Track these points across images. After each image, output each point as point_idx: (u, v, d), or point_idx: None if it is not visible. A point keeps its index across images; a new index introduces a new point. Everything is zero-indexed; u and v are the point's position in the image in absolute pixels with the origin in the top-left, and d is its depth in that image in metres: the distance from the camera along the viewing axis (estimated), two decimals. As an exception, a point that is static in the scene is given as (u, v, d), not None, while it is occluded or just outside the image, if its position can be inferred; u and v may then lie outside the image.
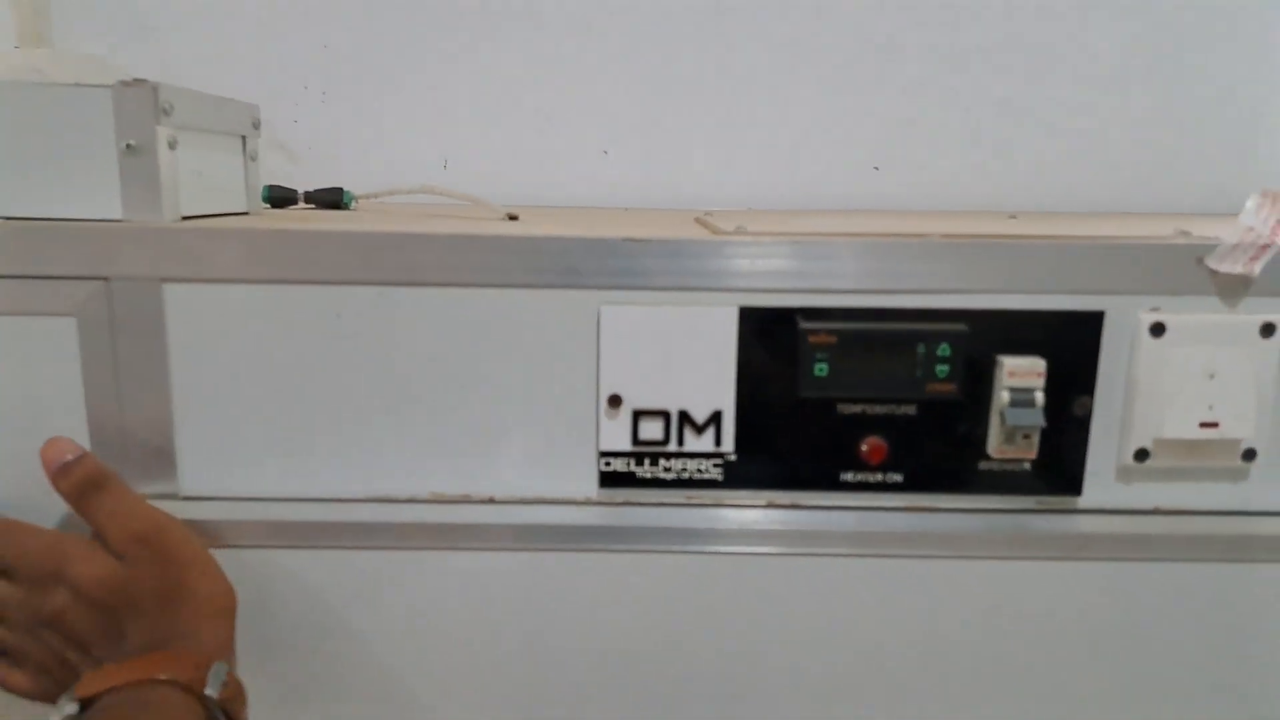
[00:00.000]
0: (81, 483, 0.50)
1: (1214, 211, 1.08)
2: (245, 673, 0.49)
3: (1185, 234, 0.53)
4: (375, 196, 0.86)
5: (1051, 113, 1.09)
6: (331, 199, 0.82)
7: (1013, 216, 0.82)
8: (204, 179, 0.60)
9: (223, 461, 0.52)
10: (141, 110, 0.53)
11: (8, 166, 0.52)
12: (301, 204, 0.83)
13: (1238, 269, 0.50)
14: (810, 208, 1.08)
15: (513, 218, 0.67)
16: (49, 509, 0.52)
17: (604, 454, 0.53)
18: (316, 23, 1.10)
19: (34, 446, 0.51)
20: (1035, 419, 0.50)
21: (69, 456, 0.50)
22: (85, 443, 0.52)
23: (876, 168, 1.14)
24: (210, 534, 0.52)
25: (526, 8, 1.09)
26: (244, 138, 0.67)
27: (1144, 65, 1.09)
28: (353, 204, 0.83)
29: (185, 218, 0.56)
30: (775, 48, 1.08)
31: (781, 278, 0.51)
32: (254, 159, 0.69)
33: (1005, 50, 1.08)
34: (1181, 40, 1.08)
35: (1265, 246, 0.50)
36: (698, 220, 0.66)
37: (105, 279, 0.51)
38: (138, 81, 0.53)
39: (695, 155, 1.11)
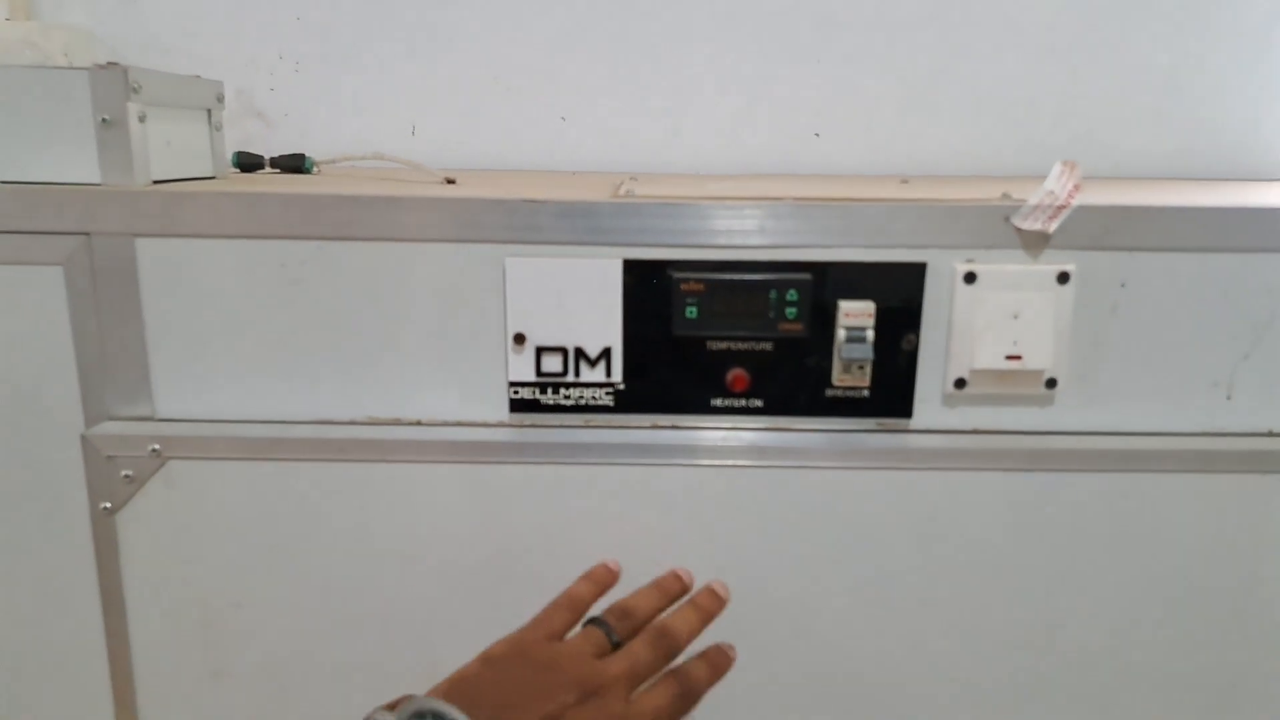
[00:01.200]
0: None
1: (1132, 175, 1.18)
2: (206, 570, 0.60)
3: (1007, 196, 0.62)
4: (333, 162, 0.95)
5: (979, 82, 1.18)
6: (294, 164, 0.91)
7: (905, 181, 0.91)
8: (172, 148, 0.69)
9: (190, 388, 0.62)
10: (114, 89, 0.61)
11: (8, 137, 0.61)
12: (267, 168, 0.92)
13: (1038, 226, 0.60)
14: (754, 172, 1.17)
15: (450, 181, 0.77)
16: (31, 427, 0.62)
17: (512, 384, 0.63)
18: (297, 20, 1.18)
19: (27, 377, 0.61)
20: (866, 353, 0.60)
21: None
22: (73, 374, 0.62)
23: (817, 134, 1.23)
24: (180, 450, 0.61)
25: (472, 7, 1.16)
26: (209, 110, 0.76)
27: (1066, 38, 1.17)
28: (313, 169, 0.92)
29: (156, 181, 0.65)
30: (723, 23, 1.17)
31: (657, 234, 0.60)
32: (219, 129, 0.78)
33: (937, 23, 1.17)
34: (1103, 13, 1.16)
35: (1061, 207, 0.59)
36: (618, 184, 0.76)
37: (87, 234, 0.60)
38: (111, 64, 0.62)
39: (644, 122, 1.20)
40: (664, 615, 0.53)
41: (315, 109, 1.20)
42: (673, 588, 0.55)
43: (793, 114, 1.21)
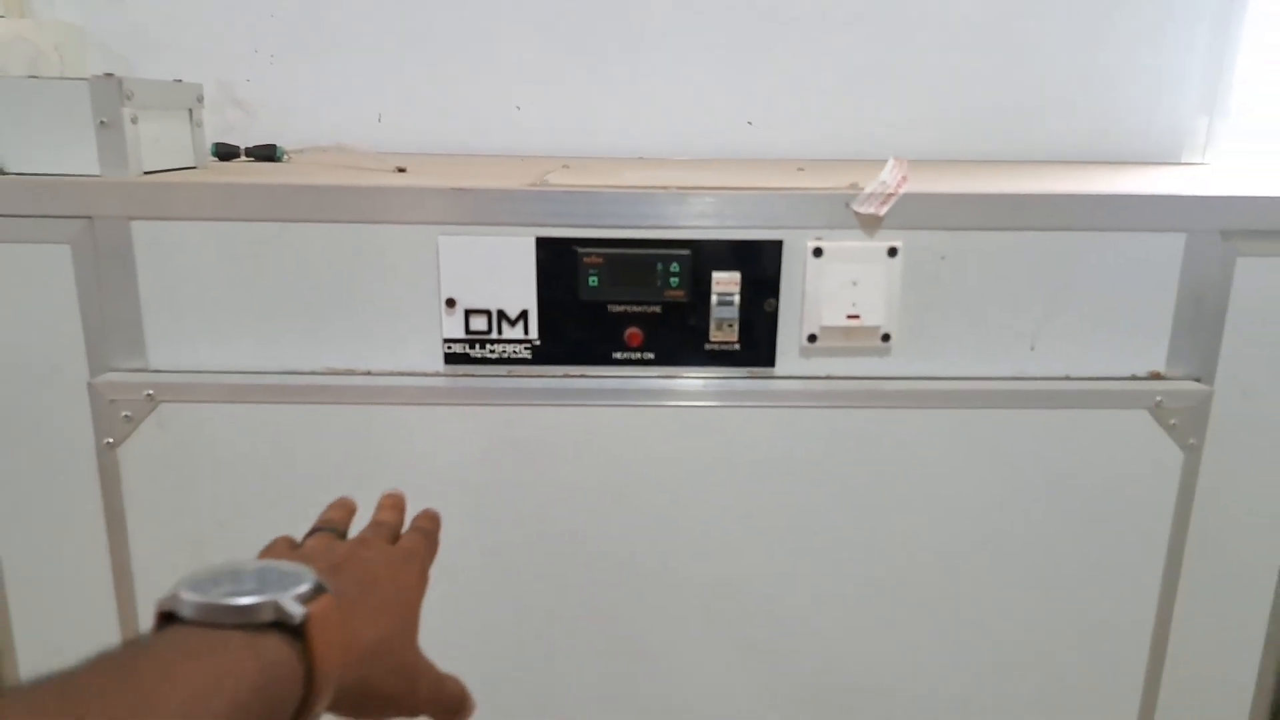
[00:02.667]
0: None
1: (1046, 159, 1.32)
2: (193, 494, 0.73)
3: (854, 186, 0.76)
4: (301, 151, 1.07)
5: (905, 75, 1.31)
6: (266, 154, 1.04)
7: (801, 169, 1.05)
8: (160, 143, 0.81)
9: (177, 345, 0.75)
10: (110, 96, 0.74)
11: (15, 137, 0.73)
12: (243, 158, 1.04)
13: (872, 210, 0.73)
14: (693, 157, 1.30)
15: (401, 170, 0.89)
16: (46, 378, 0.74)
17: (446, 340, 0.76)
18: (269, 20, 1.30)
19: (41, 337, 0.73)
20: (733, 314, 0.74)
21: None
22: (79, 334, 0.74)
23: (750, 122, 1.37)
24: (170, 395, 0.74)
25: (435, 5, 1.29)
26: (190, 110, 0.88)
27: (985, 35, 1.31)
28: (284, 158, 1.04)
29: (147, 172, 0.77)
30: (666, 22, 1.30)
31: (565, 217, 0.73)
32: (199, 125, 0.90)
33: (868, 18, 1.30)
34: (1019, 13, 1.31)
35: (891, 195, 0.73)
36: (551, 171, 0.89)
37: (90, 218, 0.73)
38: (108, 75, 0.74)
39: (591, 112, 1.33)
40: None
41: (290, 98, 1.32)
42: (347, 504, 0.59)
43: (729, 103, 1.35)
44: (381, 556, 0.51)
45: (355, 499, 0.60)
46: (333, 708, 0.41)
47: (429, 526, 0.58)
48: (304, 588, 0.38)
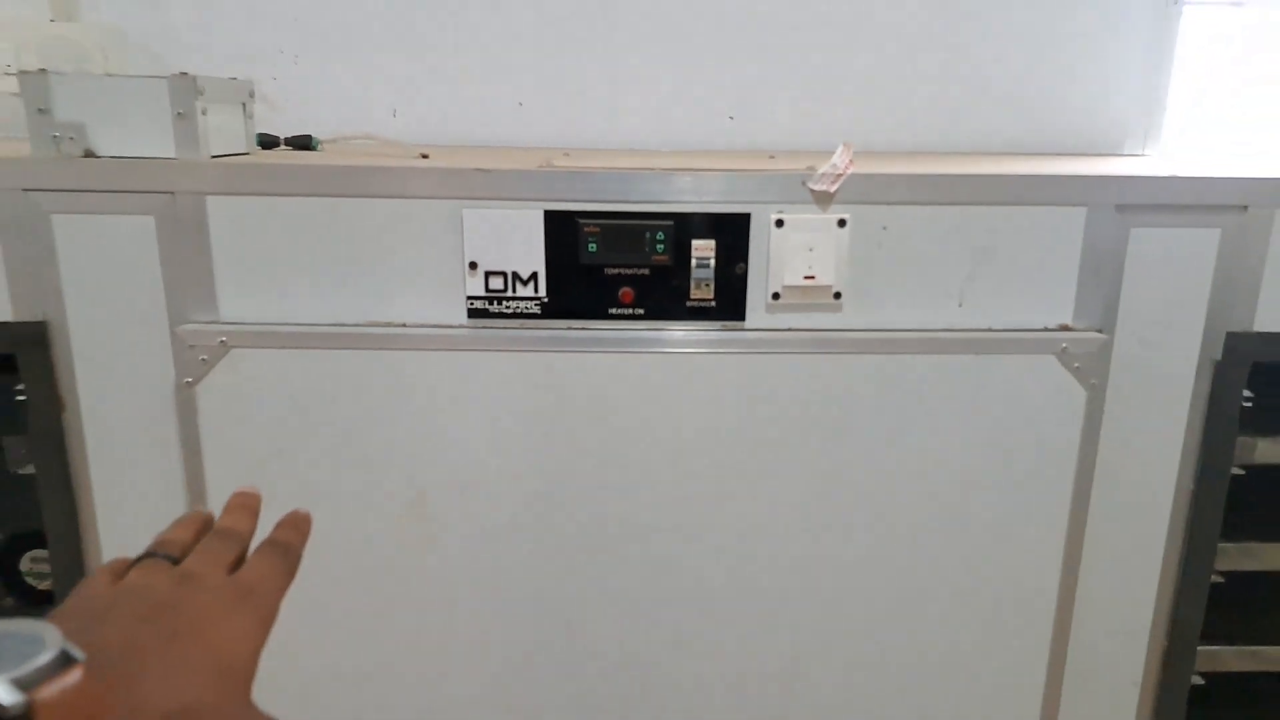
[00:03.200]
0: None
1: (994, 150, 1.47)
2: (258, 424, 0.87)
3: (810, 168, 0.90)
4: (334, 141, 1.21)
5: (865, 74, 1.46)
6: (303, 143, 1.17)
7: (772, 157, 1.19)
8: (222, 132, 0.95)
9: (245, 301, 0.89)
10: (186, 92, 0.88)
11: (105, 126, 0.87)
12: (283, 146, 1.18)
13: (824, 188, 0.88)
14: (679, 149, 1.45)
15: (424, 156, 1.03)
16: (136, 329, 0.88)
17: (469, 298, 0.90)
18: (288, 2, 1.44)
19: (131, 294, 0.88)
20: (709, 276, 0.89)
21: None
22: (161, 291, 0.88)
23: (731, 117, 1.51)
24: (239, 342, 0.89)
25: (447, 10, 1.43)
26: (244, 104, 1.02)
27: (939, 34, 1.46)
28: (319, 146, 1.18)
29: (213, 156, 0.91)
30: (653, 28, 1.44)
31: (568, 193, 0.88)
32: (250, 117, 1.04)
33: (837, 25, 1.45)
34: (969, 14, 1.45)
35: (840, 175, 0.88)
36: (554, 157, 1.03)
37: (171, 193, 0.87)
38: (183, 74, 0.88)
39: (589, 106, 1.47)
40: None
41: (312, 94, 1.46)
42: (198, 518, 0.50)
43: (712, 101, 1.49)
44: (207, 597, 0.42)
45: (210, 513, 0.51)
46: None
47: (289, 540, 0.49)
48: (42, 660, 0.31)
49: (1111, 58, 1.52)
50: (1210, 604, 1.02)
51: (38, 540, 0.97)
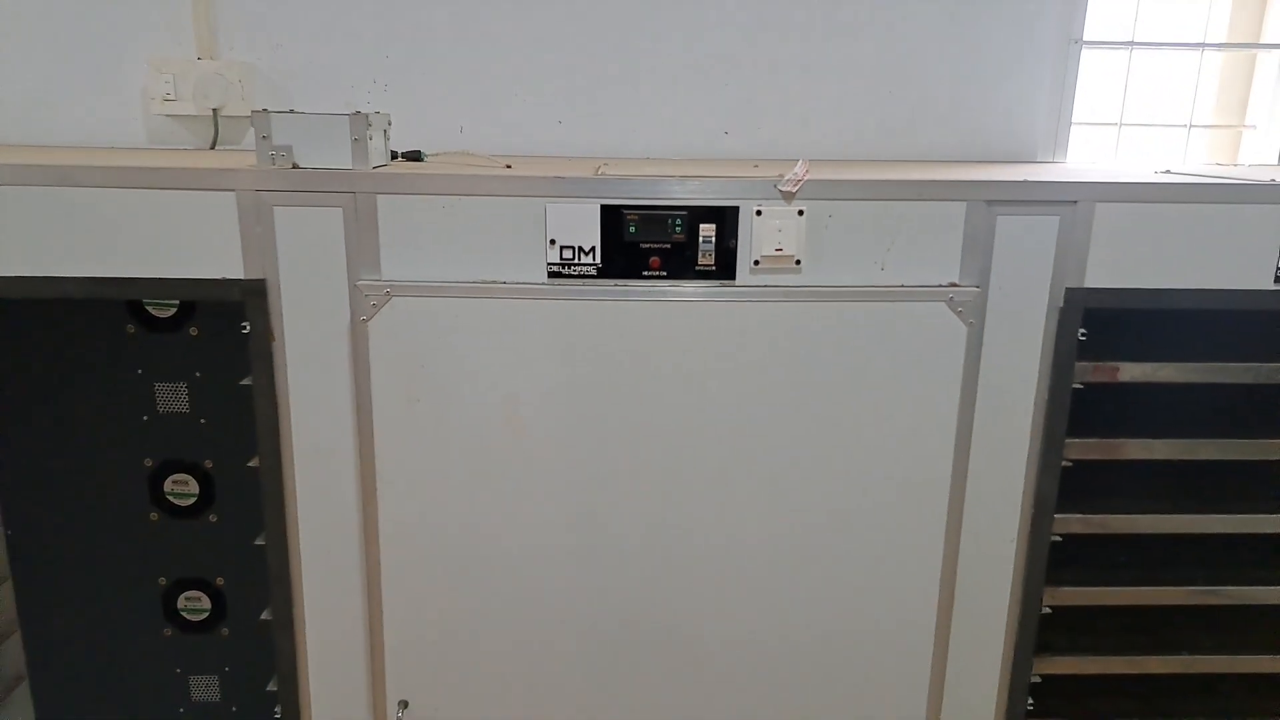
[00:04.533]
0: None
1: (933, 159, 1.89)
2: (410, 351, 1.31)
3: (780, 175, 1.33)
4: (437, 155, 1.65)
5: (825, 96, 1.90)
6: (414, 155, 1.61)
7: (756, 165, 1.62)
8: (376, 149, 1.38)
9: (401, 265, 1.32)
10: (360, 124, 1.31)
11: (302, 146, 1.30)
12: (400, 159, 1.61)
13: (789, 190, 1.31)
14: (685, 157, 1.88)
15: (508, 166, 1.46)
16: (326, 283, 1.32)
17: (549, 264, 1.33)
18: (379, 41, 1.87)
19: (325, 261, 1.31)
20: (711, 249, 1.32)
21: None
22: (343, 258, 1.31)
23: (726, 132, 1.95)
24: (398, 293, 1.32)
25: (506, 37, 1.87)
26: (385, 130, 1.46)
27: (890, 72, 1.89)
28: (425, 159, 1.61)
29: (375, 167, 1.34)
30: (661, 63, 1.88)
31: (617, 192, 1.31)
32: (388, 140, 1.47)
33: (807, 66, 1.89)
34: (914, 52, 1.89)
35: (799, 181, 1.31)
36: (598, 166, 1.46)
37: (353, 193, 1.30)
38: (358, 112, 1.31)
39: (616, 124, 1.91)
40: None
41: (397, 114, 1.89)
42: None
43: (711, 119, 1.93)
44: None
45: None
46: None
47: None
48: None
49: (1025, 86, 1.96)
50: (1062, 484, 1.45)
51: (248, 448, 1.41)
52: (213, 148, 1.90)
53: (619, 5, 1.87)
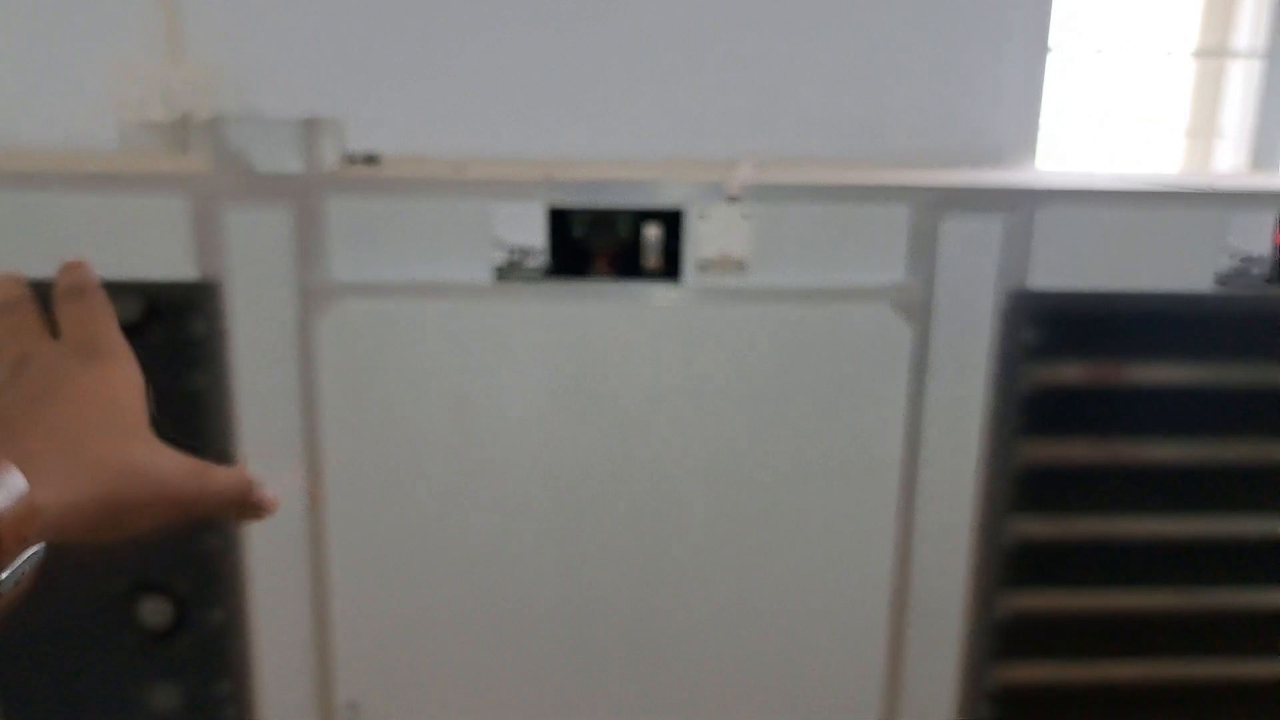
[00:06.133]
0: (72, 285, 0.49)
1: (899, 163, 1.90)
2: (353, 340, 1.33)
3: (726, 178, 1.34)
4: (394, 159, 1.67)
5: (796, 104, 1.91)
6: (371, 159, 1.62)
7: (709, 168, 1.63)
8: (328, 153, 1.40)
9: (348, 264, 1.34)
10: (311, 129, 1.33)
11: (260, 151, 1.32)
12: (359, 162, 1.63)
13: (735, 193, 1.32)
14: (652, 161, 1.89)
15: (461, 169, 1.48)
16: (277, 285, 1.34)
17: (497, 264, 1.35)
18: (345, 49, 1.90)
19: (278, 259, 1.33)
20: (658, 249, 1.33)
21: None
22: (294, 256, 1.33)
23: (695, 135, 1.96)
24: (344, 291, 1.33)
25: (471, 44, 1.89)
26: (339, 134, 1.47)
27: (865, 77, 1.91)
28: (382, 161, 1.63)
29: (327, 170, 1.36)
30: (624, 75, 1.90)
31: (562, 194, 1.32)
32: (343, 143, 1.49)
33: (774, 66, 1.91)
34: (889, 60, 1.90)
35: (746, 185, 1.32)
36: (554, 169, 1.47)
37: (303, 196, 1.32)
38: (310, 119, 1.33)
39: (583, 129, 1.93)
40: None
41: (366, 119, 1.92)
42: None
43: (680, 123, 1.95)
44: (56, 367, 0.45)
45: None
46: (75, 538, 0.39)
47: (76, 280, 0.50)
48: None
49: (994, 91, 1.97)
50: (1018, 487, 1.45)
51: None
52: (184, 152, 1.92)
53: (584, 11, 1.89)
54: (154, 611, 1.61)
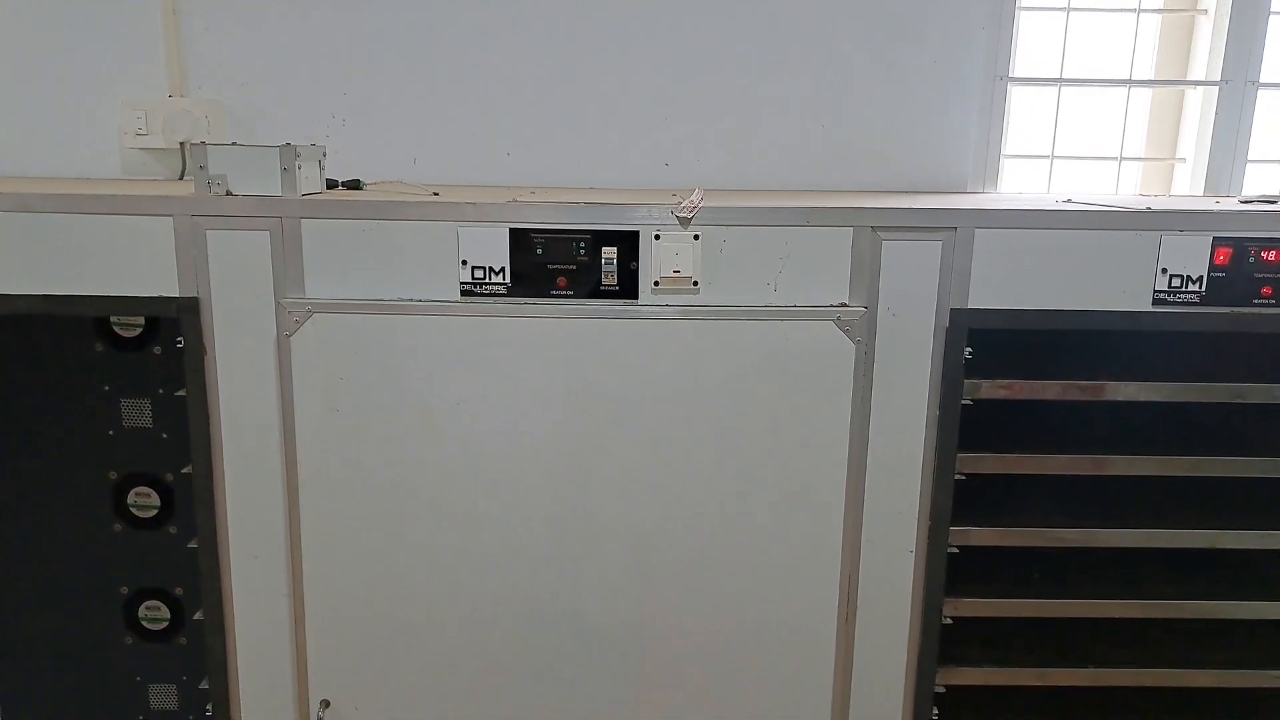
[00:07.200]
0: None
1: (866, 189, 1.98)
2: (330, 361, 1.41)
3: (677, 204, 1.42)
4: (376, 183, 1.75)
5: (768, 132, 2.00)
6: (354, 184, 1.71)
7: (675, 194, 1.71)
8: (308, 177, 1.49)
9: (323, 285, 1.42)
10: (289, 155, 1.42)
11: (236, 174, 1.41)
12: (340, 187, 1.72)
13: (686, 216, 1.40)
14: (627, 188, 1.98)
15: (435, 194, 1.57)
16: (255, 304, 1.42)
17: (462, 282, 1.43)
18: (338, 80, 1.99)
19: (252, 280, 1.41)
20: (614, 270, 1.41)
21: None
22: (270, 277, 1.41)
23: (667, 164, 2.05)
24: (318, 309, 1.41)
25: (457, 75, 1.98)
26: (319, 160, 1.56)
27: (827, 112, 1.99)
28: (365, 186, 1.72)
29: (304, 194, 1.45)
30: (602, 102, 1.99)
31: (524, 217, 1.40)
32: (323, 169, 1.58)
33: (744, 97, 1.99)
34: (850, 95, 1.98)
35: (696, 208, 1.40)
36: (517, 194, 1.56)
37: (280, 218, 1.40)
38: (288, 144, 1.42)
39: (558, 157, 2.01)
40: None
41: (355, 147, 2.01)
42: None
43: (654, 152, 2.03)
44: None
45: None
46: None
47: None
48: None
49: (954, 121, 2.05)
50: (961, 498, 1.51)
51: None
52: (181, 178, 2.02)
53: (568, 45, 1.98)
54: (155, 619, 1.68)
